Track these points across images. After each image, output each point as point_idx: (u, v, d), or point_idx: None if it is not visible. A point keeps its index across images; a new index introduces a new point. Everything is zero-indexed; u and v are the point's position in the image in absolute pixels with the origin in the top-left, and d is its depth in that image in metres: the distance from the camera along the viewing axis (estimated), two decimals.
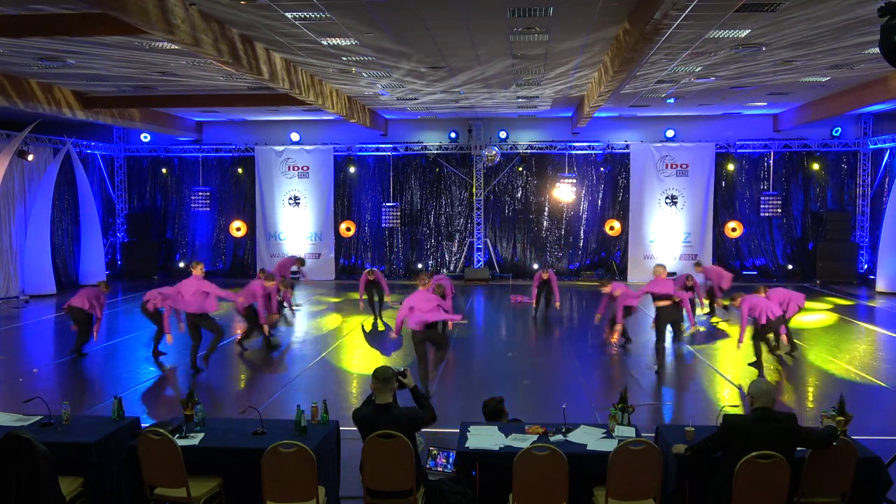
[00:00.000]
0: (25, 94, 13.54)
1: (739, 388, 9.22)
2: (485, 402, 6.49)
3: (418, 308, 8.69)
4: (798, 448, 4.74)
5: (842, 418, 5.18)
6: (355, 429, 5.05)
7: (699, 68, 12.42)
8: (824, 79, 13.66)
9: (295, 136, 20.78)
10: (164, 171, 21.34)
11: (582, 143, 20.40)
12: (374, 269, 13.79)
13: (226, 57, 9.41)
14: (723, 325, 13.29)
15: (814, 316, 14.16)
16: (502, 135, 20.35)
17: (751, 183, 20.19)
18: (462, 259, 20.76)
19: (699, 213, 19.91)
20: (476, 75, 13.17)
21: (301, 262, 16.89)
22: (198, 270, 10.22)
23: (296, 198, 20.77)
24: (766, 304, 9.73)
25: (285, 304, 13.60)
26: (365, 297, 13.67)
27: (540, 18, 9.15)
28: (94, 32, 8.95)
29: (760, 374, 9.59)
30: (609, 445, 5.08)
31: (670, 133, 20.04)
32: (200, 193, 21.17)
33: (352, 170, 20.71)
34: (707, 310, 14.06)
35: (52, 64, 11.89)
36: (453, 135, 20.36)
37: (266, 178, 20.75)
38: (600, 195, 20.63)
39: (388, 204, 20.80)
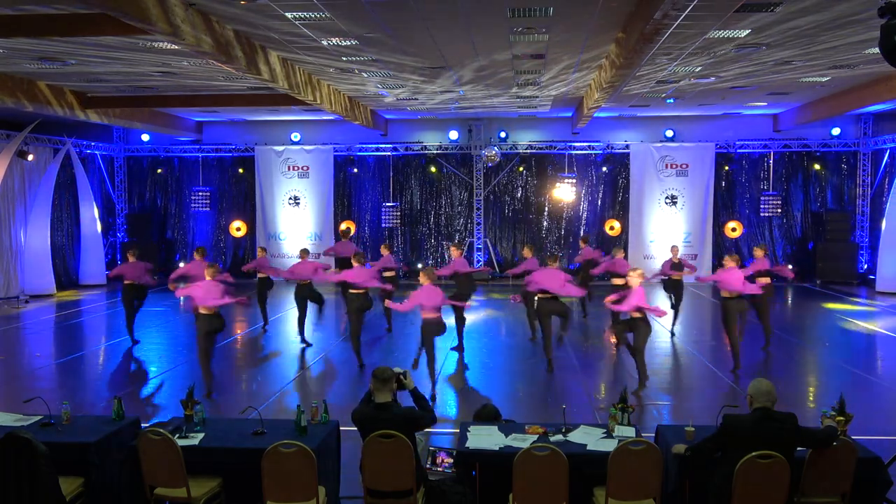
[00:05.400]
0: (32, 95, 13.56)
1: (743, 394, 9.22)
2: (477, 411, 6.44)
3: (427, 302, 8.77)
4: (798, 448, 4.74)
5: (842, 418, 5.18)
6: (355, 429, 5.06)
7: (699, 68, 12.42)
8: (824, 79, 13.66)
9: (295, 136, 20.79)
10: (164, 171, 21.36)
11: (582, 143, 20.40)
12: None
13: (226, 57, 9.42)
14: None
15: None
16: (502, 135, 20.35)
17: (751, 183, 20.19)
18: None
19: (699, 213, 19.91)
20: (476, 75, 13.17)
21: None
22: (209, 274, 9.04)
23: (296, 198, 20.77)
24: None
25: None
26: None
27: (540, 18, 9.14)
28: (94, 32, 8.94)
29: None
30: (609, 445, 5.07)
31: (670, 133, 20.05)
32: (200, 193, 21.16)
33: (352, 170, 20.72)
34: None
35: (52, 64, 11.90)
36: (453, 135, 20.36)
37: (266, 178, 20.75)
38: (600, 195, 20.63)
39: (388, 204, 20.80)
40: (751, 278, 10.67)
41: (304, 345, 11.80)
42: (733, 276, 9.89)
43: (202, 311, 8.84)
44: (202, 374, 9.03)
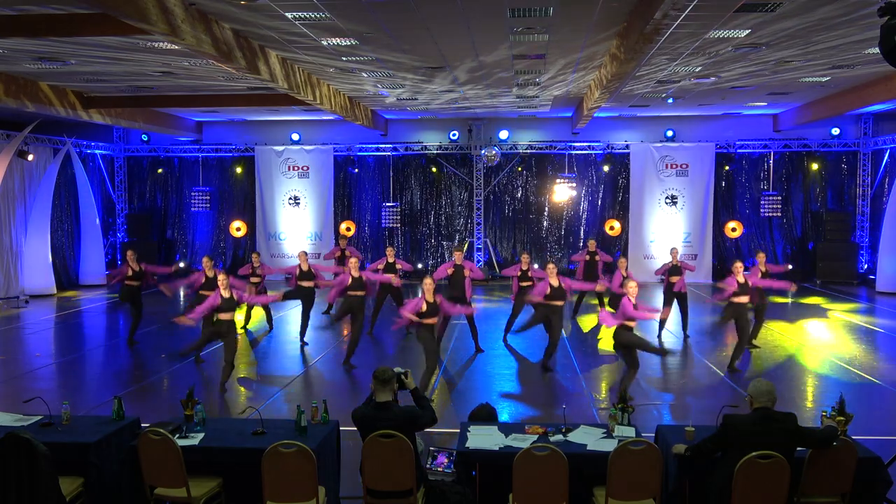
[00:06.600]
0: (33, 95, 13.55)
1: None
2: (473, 411, 6.44)
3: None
4: (798, 448, 4.74)
5: (842, 418, 5.18)
6: (355, 429, 5.06)
7: (699, 68, 12.42)
8: (824, 79, 13.66)
9: (295, 136, 20.79)
10: (164, 171, 21.36)
11: (582, 144, 20.40)
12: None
13: (225, 57, 9.42)
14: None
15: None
16: (502, 135, 20.34)
17: (751, 183, 20.19)
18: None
19: (699, 213, 19.91)
20: (476, 75, 13.17)
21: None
22: (222, 282, 9.03)
23: (296, 198, 20.78)
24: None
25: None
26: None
27: (540, 18, 9.15)
28: (94, 32, 8.95)
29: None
30: (609, 445, 5.07)
31: (670, 133, 20.05)
32: (200, 193, 21.17)
33: (352, 170, 20.72)
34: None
35: (52, 64, 11.90)
36: (453, 135, 20.36)
37: (266, 178, 20.77)
38: (600, 195, 20.63)
39: (388, 204, 20.80)
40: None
41: (302, 343, 11.86)
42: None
43: (222, 317, 8.96)
44: (223, 374, 9.11)
